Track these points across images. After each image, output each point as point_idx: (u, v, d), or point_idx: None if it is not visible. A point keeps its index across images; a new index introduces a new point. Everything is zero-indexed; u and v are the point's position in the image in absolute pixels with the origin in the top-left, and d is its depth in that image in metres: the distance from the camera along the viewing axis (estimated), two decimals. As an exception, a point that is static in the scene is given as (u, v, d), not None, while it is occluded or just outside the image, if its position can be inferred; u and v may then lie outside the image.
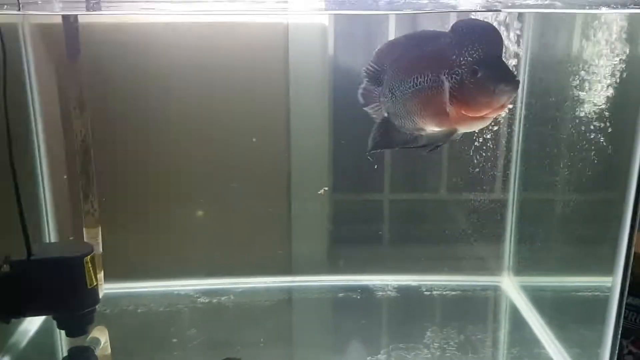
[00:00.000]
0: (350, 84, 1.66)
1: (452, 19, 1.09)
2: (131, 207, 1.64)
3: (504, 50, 0.97)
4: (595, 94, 1.33)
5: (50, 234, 1.54)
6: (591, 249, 1.45)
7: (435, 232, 1.76)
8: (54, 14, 1.38)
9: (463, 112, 0.95)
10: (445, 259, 1.72)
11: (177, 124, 1.62)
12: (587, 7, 1.34)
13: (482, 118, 0.95)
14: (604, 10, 1.27)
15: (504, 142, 1.65)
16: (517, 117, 1.63)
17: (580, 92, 1.37)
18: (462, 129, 1.00)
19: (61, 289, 1.28)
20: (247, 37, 1.56)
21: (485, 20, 1.02)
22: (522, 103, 1.61)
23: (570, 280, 1.56)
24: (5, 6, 1.21)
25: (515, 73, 0.94)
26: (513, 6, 1.37)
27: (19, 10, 1.17)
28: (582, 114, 1.37)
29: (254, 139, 1.63)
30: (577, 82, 1.37)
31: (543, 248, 1.64)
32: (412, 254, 1.77)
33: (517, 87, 0.92)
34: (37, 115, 1.46)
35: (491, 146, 1.60)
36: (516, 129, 1.63)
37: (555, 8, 1.37)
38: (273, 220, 1.74)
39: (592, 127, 1.34)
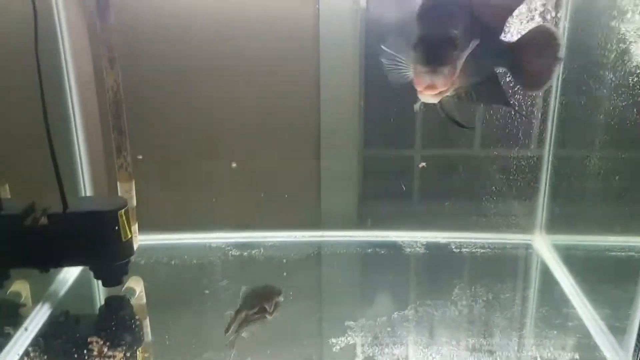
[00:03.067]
0: (381, 41, 1.64)
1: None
2: (164, 161, 1.67)
3: (458, 29, 0.96)
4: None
5: (86, 189, 1.57)
6: (627, 209, 1.42)
7: (467, 188, 1.74)
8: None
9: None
10: (476, 216, 1.71)
11: (209, 80, 1.62)
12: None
13: (422, 93, 0.98)
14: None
15: (541, 96, 1.60)
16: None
17: (622, 45, 1.32)
18: (421, 98, 1.01)
19: (97, 241, 1.33)
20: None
21: None
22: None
23: (604, 240, 1.54)
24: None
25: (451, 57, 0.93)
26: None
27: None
28: (625, 66, 1.32)
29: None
30: (621, 34, 1.31)
31: (577, 206, 1.61)
32: (442, 210, 1.76)
33: (438, 71, 0.93)
34: (69, 71, 1.48)
35: (528, 101, 1.56)
36: (554, 82, 1.58)
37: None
38: (303, 176, 1.74)
39: (634, 79, 1.29)
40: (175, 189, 1.68)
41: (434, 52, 0.95)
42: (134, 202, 1.50)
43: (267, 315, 1.27)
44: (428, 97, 1.00)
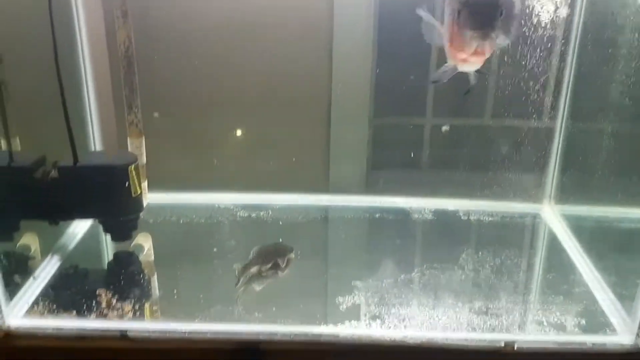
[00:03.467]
0: (394, 6, 1.62)
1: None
2: (175, 120, 1.66)
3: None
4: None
5: (96, 144, 1.57)
6: (636, 180, 1.41)
7: (477, 157, 1.73)
8: None
9: (452, 49, 0.99)
10: (485, 184, 1.70)
11: (222, 41, 1.60)
12: None
13: (466, 60, 0.98)
14: None
15: (554, 65, 1.58)
16: (572, 42, 1.55)
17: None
18: (458, 67, 1.02)
19: (107, 195, 1.33)
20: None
21: None
22: (577, 28, 1.53)
23: (613, 211, 1.53)
24: None
25: (498, 22, 0.91)
26: None
27: None
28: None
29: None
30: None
31: (587, 177, 1.60)
32: (452, 178, 1.76)
33: (488, 37, 0.93)
34: (81, 24, 1.47)
35: (540, 70, 1.54)
36: (569, 55, 1.56)
37: None
38: (312, 141, 1.74)
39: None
40: (185, 148, 1.68)
41: (483, 16, 0.94)
42: (144, 159, 1.50)
43: (280, 272, 1.28)
44: (473, 64, 0.99)
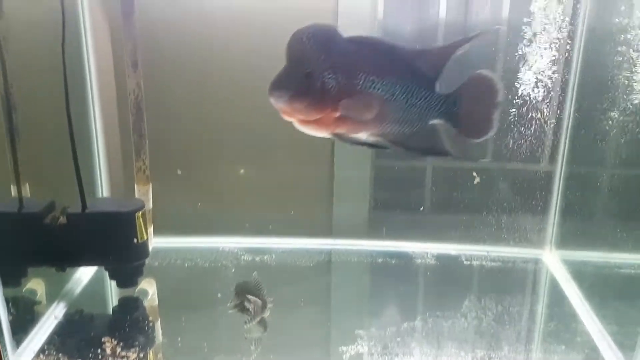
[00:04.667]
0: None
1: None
2: (181, 165, 1.69)
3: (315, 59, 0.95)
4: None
5: (103, 190, 1.60)
6: (636, 226, 1.42)
7: (478, 201, 1.75)
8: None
9: None
10: (487, 229, 1.72)
11: (228, 86, 1.64)
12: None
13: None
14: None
15: (554, 112, 1.61)
16: (570, 88, 1.59)
17: (635, 67, 1.33)
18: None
19: (113, 242, 1.35)
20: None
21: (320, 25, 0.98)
22: (575, 74, 1.57)
23: (614, 257, 1.54)
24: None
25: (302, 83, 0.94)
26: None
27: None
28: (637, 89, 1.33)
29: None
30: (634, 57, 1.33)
31: (588, 223, 1.61)
32: (454, 222, 1.77)
33: (282, 98, 0.95)
34: (92, 72, 1.51)
35: (540, 116, 1.57)
36: (568, 100, 1.59)
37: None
38: (316, 184, 1.76)
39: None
40: (190, 192, 1.71)
41: (280, 76, 0.97)
42: (150, 204, 1.52)
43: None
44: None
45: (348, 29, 1.57)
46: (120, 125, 1.59)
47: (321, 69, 0.95)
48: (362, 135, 1.00)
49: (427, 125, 1.00)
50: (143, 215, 1.37)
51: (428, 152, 1.07)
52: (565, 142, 1.64)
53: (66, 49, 1.26)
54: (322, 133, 0.99)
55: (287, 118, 0.97)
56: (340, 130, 0.97)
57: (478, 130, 1.03)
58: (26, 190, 1.42)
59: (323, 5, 1.59)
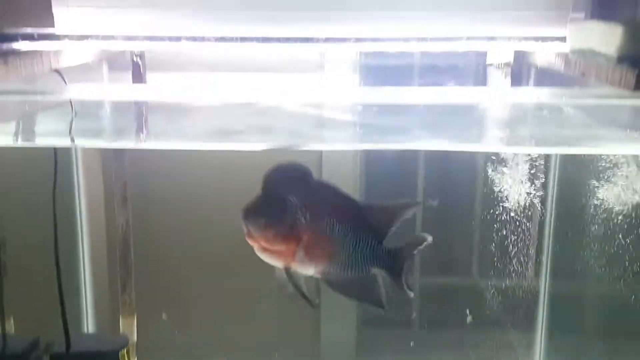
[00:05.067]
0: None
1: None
2: (165, 296, 1.69)
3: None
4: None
5: (89, 322, 1.60)
6: (626, 343, 1.43)
7: (465, 319, 1.75)
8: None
9: None
10: (474, 347, 1.71)
11: (212, 224, 1.63)
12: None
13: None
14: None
15: (536, 230, 1.66)
16: (549, 207, 1.64)
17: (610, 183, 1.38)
18: None
19: (98, 382, 1.33)
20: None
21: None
22: (553, 191, 1.63)
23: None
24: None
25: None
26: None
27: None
28: (617, 207, 1.38)
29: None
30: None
31: (576, 340, 1.61)
32: (441, 340, 1.76)
33: (257, 224, 0.97)
34: (82, 209, 1.55)
35: (523, 233, 1.62)
36: (547, 219, 1.64)
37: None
38: (303, 307, 1.76)
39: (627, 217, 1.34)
40: (175, 321, 1.70)
41: (251, 206, 0.99)
42: (135, 337, 1.52)
43: None
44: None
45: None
46: (108, 258, 1.61)
47: (294, 204, 1.00)
48: (310, 271, 1.04)
49: (369, 274, 1.05)
50: (128, 352, 1.37)
51: (364, 300, 1.13)
52: (547, 258, 1.66)
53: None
54: (278, 263, 1.03)
55: (250, 241, 1.01)
56: (294, 263, 1.01)
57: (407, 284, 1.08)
58: (11, 326, 1.41)
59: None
